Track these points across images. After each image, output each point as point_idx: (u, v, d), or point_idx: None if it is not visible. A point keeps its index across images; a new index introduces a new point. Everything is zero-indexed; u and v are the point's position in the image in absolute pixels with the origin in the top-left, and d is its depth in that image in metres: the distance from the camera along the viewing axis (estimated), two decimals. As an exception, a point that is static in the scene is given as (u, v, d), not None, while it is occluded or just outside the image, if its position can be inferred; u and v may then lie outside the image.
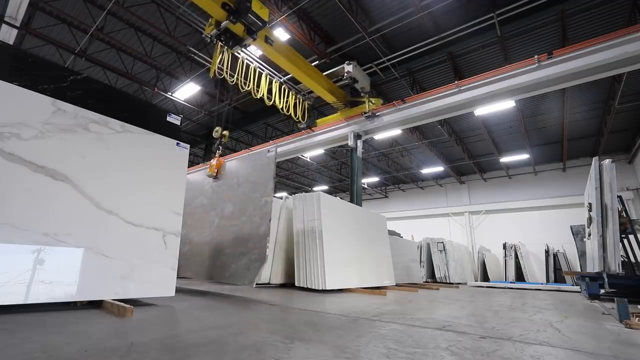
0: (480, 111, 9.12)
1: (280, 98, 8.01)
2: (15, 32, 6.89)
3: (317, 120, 10.05)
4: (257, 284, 4.49)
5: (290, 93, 8.47)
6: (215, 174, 5.09)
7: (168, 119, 3.64)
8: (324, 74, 8.40)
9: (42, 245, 2.44)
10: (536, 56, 6.18)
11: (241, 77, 6.78)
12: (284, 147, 10.89)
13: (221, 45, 6.24)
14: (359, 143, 9.20)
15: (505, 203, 16.71)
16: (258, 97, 7.23)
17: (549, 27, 8.14)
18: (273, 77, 7.94)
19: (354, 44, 8.66)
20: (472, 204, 17.90)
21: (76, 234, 2.61)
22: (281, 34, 7.93)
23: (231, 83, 6.68)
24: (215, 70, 6.20)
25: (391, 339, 2.03)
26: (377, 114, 8.59)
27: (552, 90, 6.87)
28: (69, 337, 1.76)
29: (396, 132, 10.15)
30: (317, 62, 8.91)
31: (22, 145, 2.48)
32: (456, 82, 7.25)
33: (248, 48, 6.80)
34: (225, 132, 5.57)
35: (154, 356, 1.49)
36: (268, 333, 2.06)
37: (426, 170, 17.60)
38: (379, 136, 10.75)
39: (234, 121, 13.65)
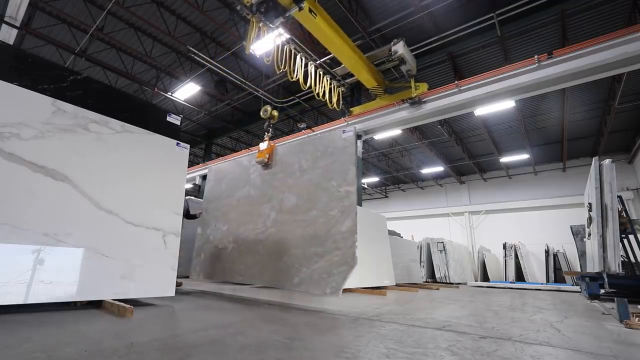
0: (480, 111, 9.10)
1: (315, 82, 7.50)
2: (15, 32, 6.89)
3: (353, 108, 9.36)
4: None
5: (325, 78, 7.92)
6: (266, 160, 4.44)
7: (168, 119, 3.64)
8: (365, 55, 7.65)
9: (42, 245, 2.44)
10: (536, 56, 6.17)
11: (277, 57, 6.38)
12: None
13: (257, 20, 5.70)
14: (359, 143, 9.14)
15: (505, 203, 16.69)
16: (294, 79, 6.86)
17: (549, 27, 8.14)
18: (308, 60, 7.43)
19: (354, 44, 8.64)
20: (472, 204, 17.89)
21: (76, 234, 2.61)
22: (281, 34, 7.92)
23: (267, 63, 6.34)
24: (249, 48, 5.79)
25: (391, 339, 2.03)
26: (423, 99, 7.73)
27: (552, 90, 6.87)
28: (69, 337, 1.76)
29: (396, 132, 10.14)
30: (318, 61, 8.86)
31: (22, 145, 2.48)
32: (456, 82, 7.25)
33: (282, 24, 6.12)
34: (275, 112, 4.93)
35: (154, 356, 1.49)
36: (268, 333, 2.06)
37: (426, 170, 17.60)
38: (379, 136, 10.75)
39: (234, 121, 13.66)
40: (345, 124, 9.38)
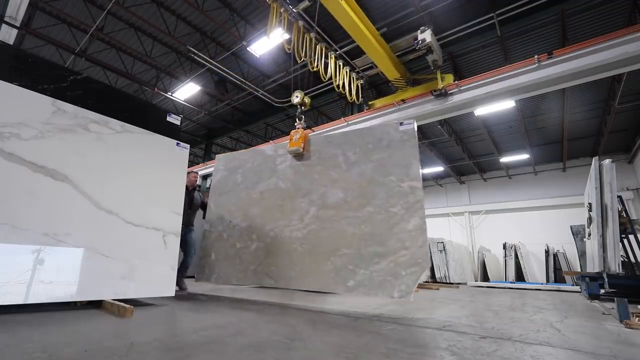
0: (480, 111, 9.09)
1: (336, 74, 7.20)
2: (15, 32, 6.88)
3: (373, 102, 8.81)
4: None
5: (344, 70, 7.61)
6: (302, 150, 4.03)
7: (168, 119, 3.65)
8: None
9: (42, 245, 2.44)
10: (536, 56, 6.16)
11: (297, 46, 6.12)
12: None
13: (278, 6, 5.55)
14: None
15: (505, 203, 16.68)
16: (314, 70, 6.62)
17: (549, 27, 8.13)
18: (329, 50, 7.14)
19: (354, 43, 8.63)
20: (472, 204, 17.87)
21: (76, 234, 2.62)
22: (281, 34, 7.92)
23: (288, 51, 6.13)
24: (270, 33, 5.67)
25: (391, 338, 2.03)
26: (449, 91, 7.13)
27: (552, 90, 6.86)
28: (69, 337, 1.76)
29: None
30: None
31: (22, 145, 2.48)
32: (456, 82, 7.24)
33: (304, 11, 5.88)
34: (307, 99, 4.54)
35: (154, 356, 1.49)
36: (268, 333, 2.06)
37: (426, 170, 17.59)
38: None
39: (234, 121, 13.65)
40: (345, 123, 9.35)
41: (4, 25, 6.49)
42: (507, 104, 7.83)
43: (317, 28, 6.65)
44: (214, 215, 4.62)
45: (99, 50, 9.72)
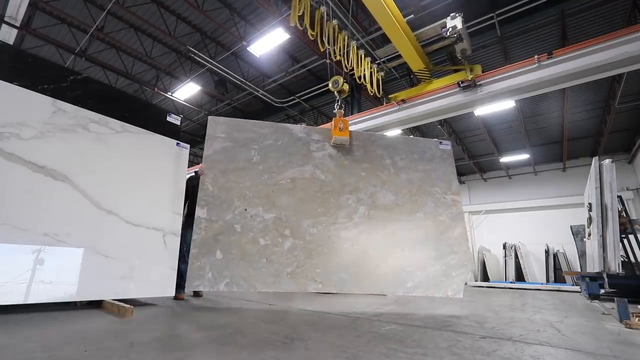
0: (480, 111, 9.08)
1: (357, 64, 7.01)
2: (15, 32, 6.88)
3: (394, 95, 8.47)
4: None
5: (365, 60, 7.38)
6: (349, 140, 3.73)
7: (168, 119, 3.65)
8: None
9: (42, 245, 2.44)
10: (536, 56, 6.15)
11: (319, 32, 5.90)
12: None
13: None
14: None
15: (505, 203, 16.67)
16: (337, 59, 6.40)
17: (549, 27, 8.13)
18: (351, 39, 6.92)
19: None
20: (472, 204, 17.86)
21: (76, 234, 2.62)
22: (281, 34, 7.93)
23: (311, 38, 5.94)
24: (296, 20, 5.40)
25: (391, 339, 2.03)
26: (478, 82, 6.76)
27: (552, 90, 6.86)
28: (69, 337, 1.76)
29: (397, 131, 10.12)
30: (319, 62, 8.86)
31: (22, 145, 2.48)
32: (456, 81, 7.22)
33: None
34: (346, 86, 4.19)
35: (154, 356, 1.49)
36: (268, 333, 2.06)
37: (426, 170, 17.58)
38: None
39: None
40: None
41: (4, 25, 6.49)
42: (507, 104, 7.81)
43: (339, 14, 6.40)
44: (215, 198, 3.42)
45: (99, 50, 9.72)
